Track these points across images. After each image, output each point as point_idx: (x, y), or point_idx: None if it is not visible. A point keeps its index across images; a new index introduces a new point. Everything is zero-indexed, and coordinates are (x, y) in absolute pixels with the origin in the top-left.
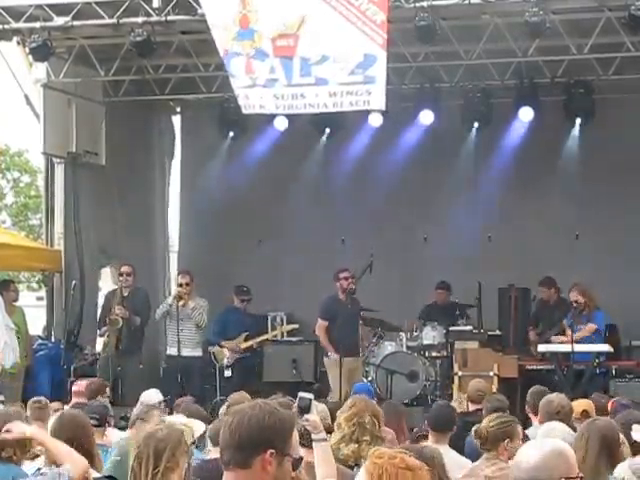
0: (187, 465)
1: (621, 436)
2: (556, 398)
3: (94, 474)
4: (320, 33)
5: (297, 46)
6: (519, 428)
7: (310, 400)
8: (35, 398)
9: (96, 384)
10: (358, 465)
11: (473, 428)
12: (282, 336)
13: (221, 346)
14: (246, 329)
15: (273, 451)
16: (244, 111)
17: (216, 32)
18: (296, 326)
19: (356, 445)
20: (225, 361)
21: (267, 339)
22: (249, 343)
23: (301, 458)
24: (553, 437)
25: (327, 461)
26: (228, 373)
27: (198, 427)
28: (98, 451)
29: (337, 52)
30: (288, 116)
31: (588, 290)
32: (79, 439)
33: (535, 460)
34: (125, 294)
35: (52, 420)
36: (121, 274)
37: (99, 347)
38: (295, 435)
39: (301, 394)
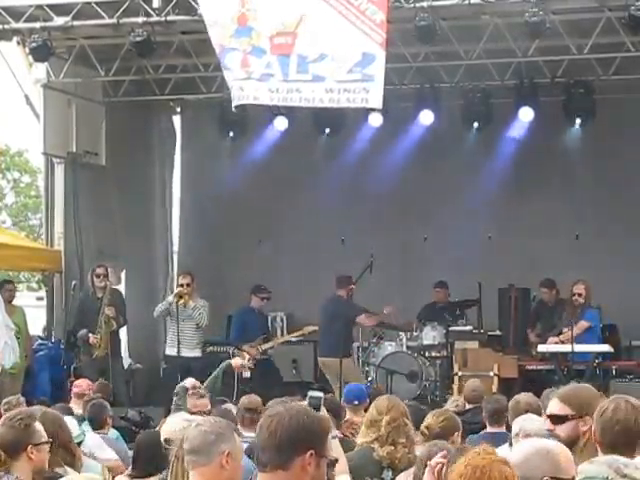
0: None
1: None
2: (523, 397)
3: None
4: (319, 32)
5: (295, 44)
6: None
7: (320, 398)
8: (6, 399)
9: (107, 389)
10: (392, 467)
11: (422, 425)
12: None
13: (241, 350)
14: (263, 330)
15: (313, 452)
16: (236, 102)
17: (213, 30)
18: (316, 328)
19: (392, 447)
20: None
21: (289, 340)
22: (269, 344)
23: (336, 460)
24: (530, 427)
25: (339, 457)
26: (247, 374)
27: None
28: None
29: (335, 51)
30: (288, 116)
31: (590, 289)
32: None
33: (517, 457)
34: (100, 295)
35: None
36: (98, 275)
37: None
38: (330, 437)
39: (311, 393)
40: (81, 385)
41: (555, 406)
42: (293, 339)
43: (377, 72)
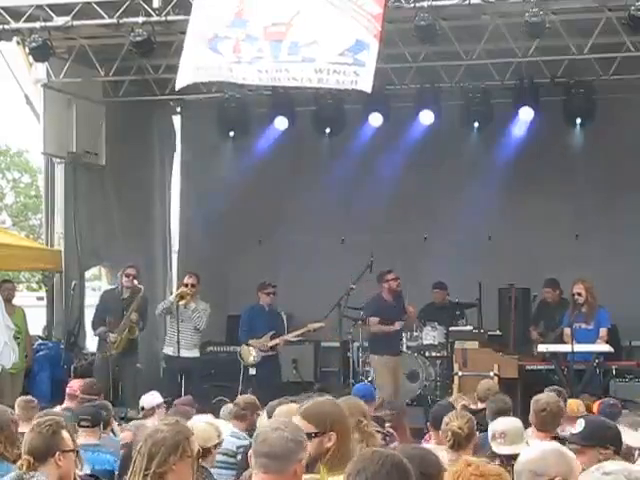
0: (195, 470)
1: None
2: (543, 397)
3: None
4: (313, 22)
5: (288, 32)
6: None
7: None
8: (26, 397)
9: (95, 388)
10: None
11: (448, 429)
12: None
13: (248, 345)
14: (271, 328)
15: None
16: (218, 78)
17: (208, 22)
18: (323, 324)
19: None
20: (251, 359)
21: (295, 337)
22: (275, 341)
23: None
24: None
25: None
26: (252, 372)
27: (225, 427)
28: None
29: (329, 37)
30: (288, 116)
31: (592, 288)
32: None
33: (534, 454)
34: (125, 295)
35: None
36: (127, 275)
37: (92, 347)
38: None
39: None
40: (72, 386)
41: (298, 424)
42: (293, 339)
43: (369, 59)
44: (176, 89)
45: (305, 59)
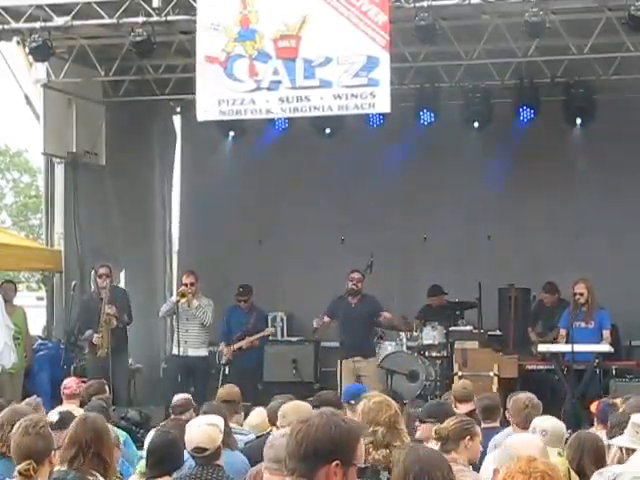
0: None
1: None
2: (521, 395)
3: None
4: (321, 34)
5: (299, 47)
6: (478, 429)
7: None
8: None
9: (95, 386)
10: (389, 469)
11: (433, 429)
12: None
13: (221, 346)
14: (245, 328)
15: (339, 462)
16: (244, 116)
17: (215, 35)
18: (272, 329)
19: (387, 450)
20: (223, 360)
21: (252, 341)
22: (239, 344)
23: (367, 467)
24: (545, 425)
25: None
26: (226, 371)
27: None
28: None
29: (340, 54)
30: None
31: (593, 288)
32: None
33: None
34: (103, 295)
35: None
36: (100, 275)
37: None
38: (361, 444)
39: None
40: (71, 386)
41: None
42: (245, 346)
43: (382, 76)
44: (198, 120)
45: (322, 82)
